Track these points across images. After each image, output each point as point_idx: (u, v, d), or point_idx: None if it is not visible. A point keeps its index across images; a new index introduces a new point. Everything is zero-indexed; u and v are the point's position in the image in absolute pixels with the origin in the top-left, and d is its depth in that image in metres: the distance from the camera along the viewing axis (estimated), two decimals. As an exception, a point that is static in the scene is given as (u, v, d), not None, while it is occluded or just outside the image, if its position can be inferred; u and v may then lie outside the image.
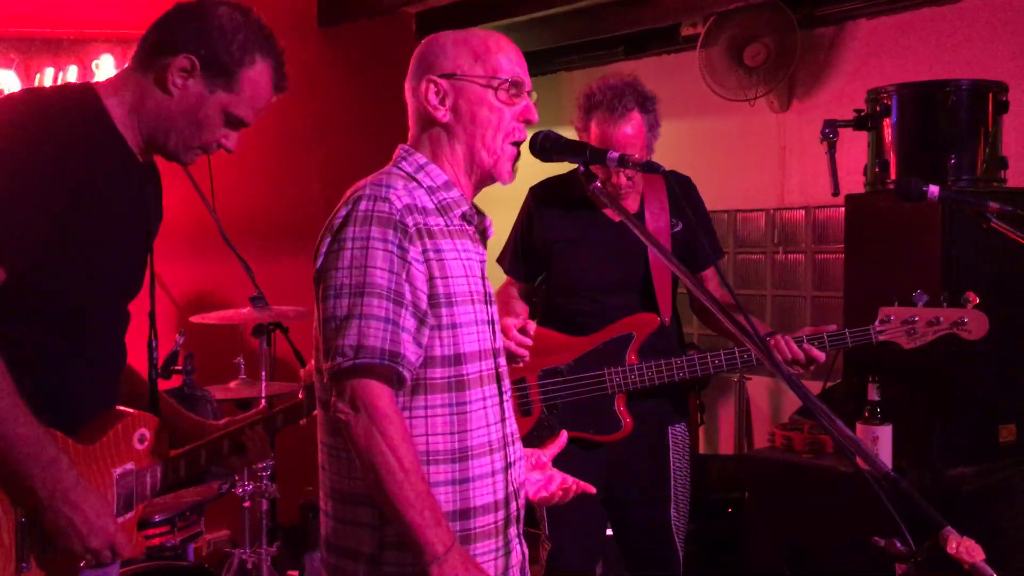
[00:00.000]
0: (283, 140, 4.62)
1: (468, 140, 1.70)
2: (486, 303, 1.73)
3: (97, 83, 1.79)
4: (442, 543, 1.55)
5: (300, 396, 2.01)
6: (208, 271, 4.00)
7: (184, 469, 1.85)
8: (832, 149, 2.98)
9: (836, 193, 2.99)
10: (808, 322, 4.84)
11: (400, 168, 1.71)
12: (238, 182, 4.29)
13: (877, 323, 2.51)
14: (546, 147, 1.71)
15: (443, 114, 1.70)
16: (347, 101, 4.92)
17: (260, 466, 3.20)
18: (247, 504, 3.27)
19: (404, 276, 1.59)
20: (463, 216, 1.72)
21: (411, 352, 1.59)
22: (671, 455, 2.79)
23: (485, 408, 1.68)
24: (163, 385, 2.89)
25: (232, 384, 3.43)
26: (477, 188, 1.76)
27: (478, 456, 1.67)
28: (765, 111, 4.96)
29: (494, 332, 1.75)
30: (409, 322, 1.59)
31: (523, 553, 1.79)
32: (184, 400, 2.81)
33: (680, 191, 2.75)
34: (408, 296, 1.59)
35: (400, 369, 1.58)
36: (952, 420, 2.84)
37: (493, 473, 1.69)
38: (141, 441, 1.78)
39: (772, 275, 5.14)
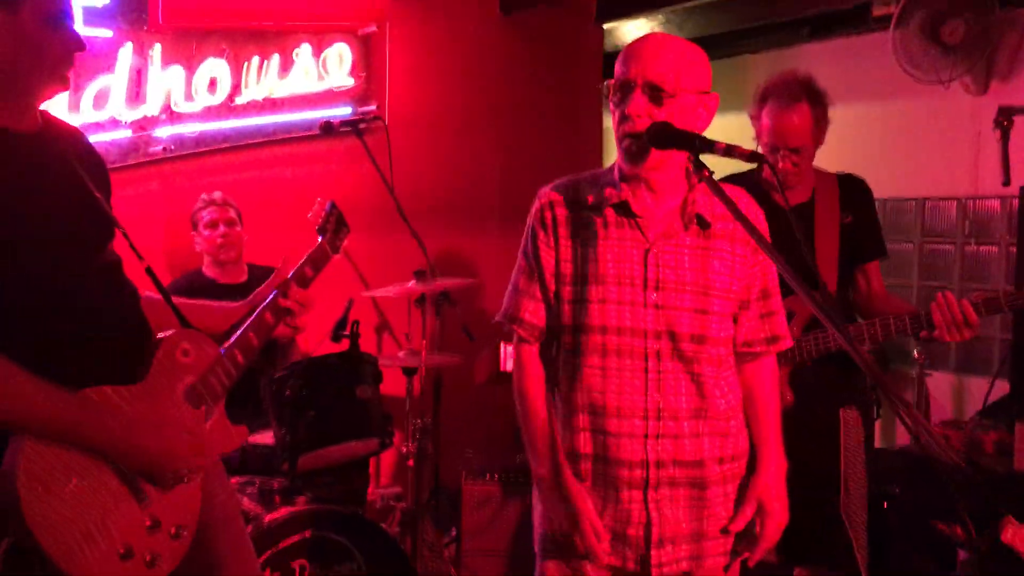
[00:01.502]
0: (462, 122, 4.85)
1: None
2: (638, 286, 1.95)
3: None
4: (538, 472, 2.01)
5: (320, 240, 2.21)
6: (385, 245, 4.28)
7: (242, 355, 1.97)
8: (1005, 136, 2.86)
9: (1007, 183, 2.88)
10: (999, 317, 4.59)
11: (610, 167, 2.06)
12: (416, 162, 4.55)
13: None
14: (660, 136, 1.81)
15: None
16: (526, 86, 5.08)
17: (417, 425, 3.42)
18: (410, 463, 3.52)
19: (534, 257, 2.04)
20: (618, 208, 1.98)
21: (532, 316, 2.05)
22: (841, 437, 2.81)
23: (606, 375, 1.95)
24: (333, 348, 3.19)
25: (400, 353, 3.68)
26: (633, 179, 1.99)
27: (590, 413, 1.97)
28: (960, 94, 4.71)
29: (645, 314, 1.94)
30: (537, 292, 2.04)
31: (650, 519, 1.96)
32: (349, 362, 3.06)
33: (851, 189, 2.87)
34: (536, 273, 2.04)
35: (516, 328, 2.06)
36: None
37: (617, 434, 1.94)
38: (185, 355, 1.89)
39: (961, 267, 4.89)
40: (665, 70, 1.87)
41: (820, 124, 2.75)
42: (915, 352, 4.60)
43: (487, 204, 4.95)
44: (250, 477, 3.03)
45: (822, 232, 2.78)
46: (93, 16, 3.89)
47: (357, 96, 4.45)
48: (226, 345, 1.98)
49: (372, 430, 3.04)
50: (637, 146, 1.90)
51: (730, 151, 1.67)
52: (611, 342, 1.94)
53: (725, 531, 2.02)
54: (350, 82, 4.44)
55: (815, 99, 2.74)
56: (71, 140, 1.93)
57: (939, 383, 4.80)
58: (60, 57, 1.80)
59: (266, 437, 3.23)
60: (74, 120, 3.83)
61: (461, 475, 3.78)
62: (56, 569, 1.64)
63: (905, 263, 5.04)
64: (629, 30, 5.58)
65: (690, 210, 1.97)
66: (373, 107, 4.42)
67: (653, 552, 1.95)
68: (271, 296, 2.07)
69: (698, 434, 1.97)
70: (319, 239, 2.21)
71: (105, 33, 3.92)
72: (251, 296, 2.17)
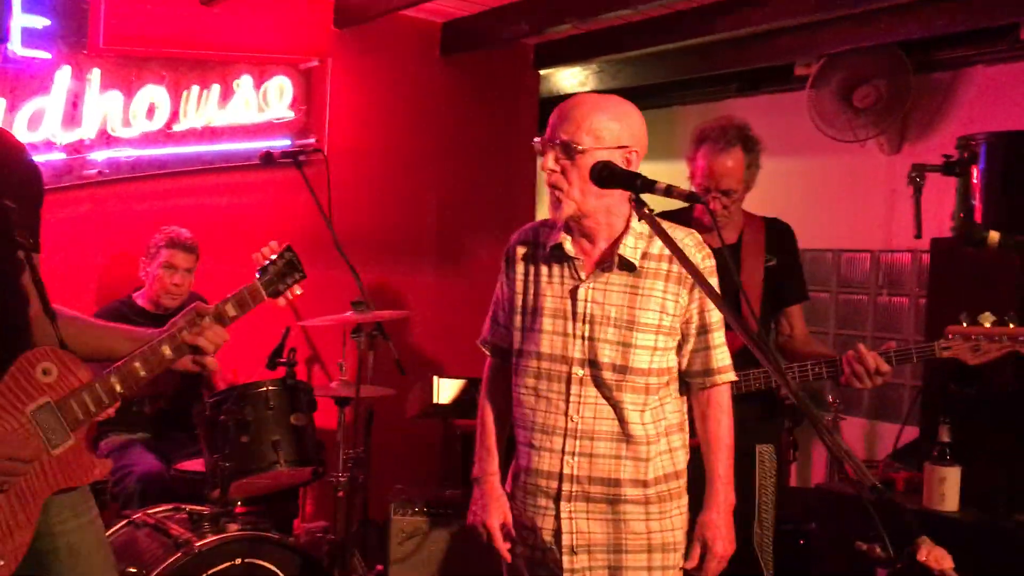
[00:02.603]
0: (401, 159, 4.93)
1: None
2: (569, 319, 2.14)
3: None
4: (476, 471, 2.29)
5: (255, 280, 2.07)
6: (321, 277, 4.27)
7: (121, 385, 1.86)
8: (918, 191, 3.04)
9: (919, 236, 3.05)
10: (909, 367, 4.82)
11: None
12: (354, 196, 4.60)
13: (943, 340, 2.60)
14: (603, 175, 1.91)
15: None
16: (464, 127, 5.19)
17: (349, 455, 3.43)
18: (340, 494, 3.52)
19: (499, 287, 2.30)
20: (554, 248, 2.18)
21: (495, 337, 2.33)
22: (756, 472, 2.92)
23: (537, 396, 2.17)
24: (268, 375, 3.19)
25: (334, 383, 3.69)
26: (572, 228, 2.18)
27: (523, 428, 2.20)
28: (875, 153, 4.97)
29: (572, 344, 2.12)
30: (502, 319, 2.30)
31: (560, 527, 2.14)
32: (285, 390, 3.07)
33: (777, 233, 3.01)
34: (503, 301, 2.29)
35: (484, 348, 2.36)
36: (1022, 466, 2.84)
37: (539, 447, 2.16)
38: (46, 374, 1.80)
39: (874, 317, 5.11)
40: (576, 129, 2.07)
41: (752, 169, 2.89)
42: (830, 397, 4.80)
43: (422, 241, 5.02)
44: (178, 504, 3.00)
45: (747, 272, 2.90)
46: (32, 37, 3.86)
47: (297, 129, 4.49)
48: (103, 372, 1.88)
49: (306, 458, 3.04)
50: (555, 197, 2.11)
51: (669, 191, 1.78)
52: (542, 367, 2.16)
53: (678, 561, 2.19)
54: (290, 115, 4.47)
55: (749, 145, 2.88)
56: None
57: (852, 427, 5.00)
58: None
59: (196, 464, 3.21)
60: (8, 140, 3.79)
61: (390, 508, 3.79)
62: None
63: (822, 311, 5.25)
64: (564, 77, 5.75)
65: (616, 253, 2.12)
66: (312, 140, 4.46)
67: (565, 558, 2.14)
68: (174, 329, 1.96)
69: (617, 456, 2.13)
70: (255, 278, 2.08)
71: (43, 55, 3.88)
72: (167, 324, 2.02)
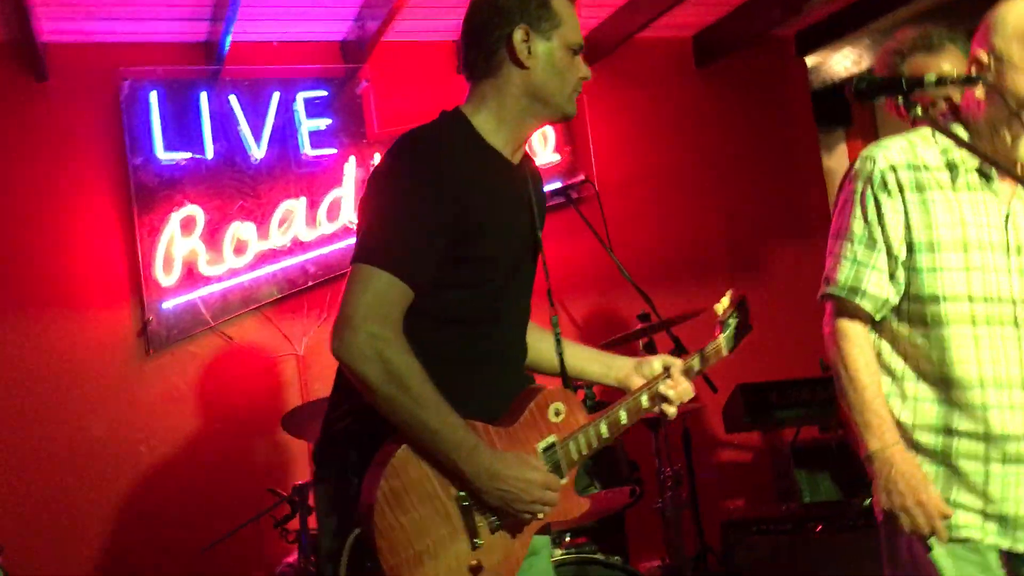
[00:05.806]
0: (673, 177, 4.86)
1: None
2: (1001, 252, 1.85)
3: (462, 107, 1.90)
4: (873, 444, 1.86)
5: (716, 334, 2.06)
6: (608, 303, 4.26)
7: (608, 430, 1.92)
8: None
9: None
10: None
11: (930, 125, 1.90)
12: (632, 224, 4.58)
13: None
14: (862, 89, 1.70)
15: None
16: (734, 132, 5.03)
17: (667, 473, 3.32)
18: (666, 516, 3.40)
19: (878, 224, 1.88)
20: (979, 171, 1.87)
21: (876, 288, 1.89)
22: None
23: (978, 346, 1.84)
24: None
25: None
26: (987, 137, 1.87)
27: (963, 387, 1.84)
28: None
29: (1012, 280, 1.85)
30: (881, 263, 1.88)
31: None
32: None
33: None
34: (880, 242, 1.88)
35: (857, 301, 1.89)
36: None
37: (1000, 406, 1.82)
38: (556, 415, 1.88)
39: None
40: None
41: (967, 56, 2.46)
42: None
43: (711, 253, 4.87)
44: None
45: None
46: (319, 137, 4.27)
47: (565, 170, 4.57)
48: (595, 417, 1.95)
49: (620, 478, 2.98)
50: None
51: (942, 81, 1.55)
52: (977, 311, 1.85)
53: None
54: (556, 157, 4.57)
55: (956, 40, 2.39)
56: (534, 177, 2.04)
57: None
58: (575, 85, 1.89)
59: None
60: (311, 233, 4.19)
61: (726, 531, 3.60)
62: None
63: None
64: (836, 60, 5.39)
65: None
66: (581, 177, 4.49)
67: None
68: (654, 381, 2.00)
69: None
70: (716, 334, 2.09)
71: (330, 151, 4.27)
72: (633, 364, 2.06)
